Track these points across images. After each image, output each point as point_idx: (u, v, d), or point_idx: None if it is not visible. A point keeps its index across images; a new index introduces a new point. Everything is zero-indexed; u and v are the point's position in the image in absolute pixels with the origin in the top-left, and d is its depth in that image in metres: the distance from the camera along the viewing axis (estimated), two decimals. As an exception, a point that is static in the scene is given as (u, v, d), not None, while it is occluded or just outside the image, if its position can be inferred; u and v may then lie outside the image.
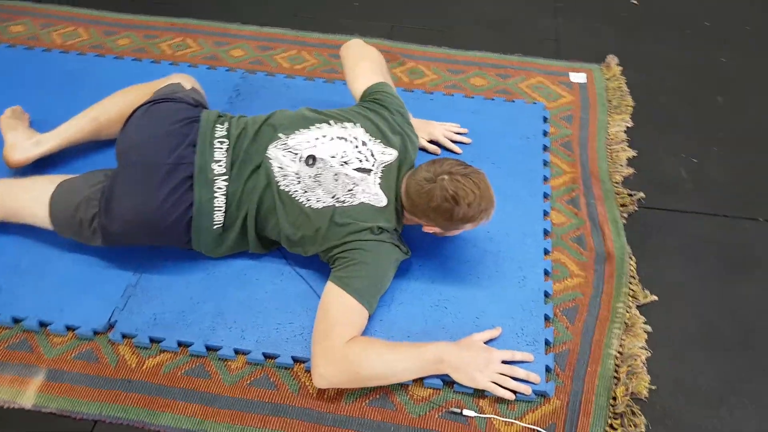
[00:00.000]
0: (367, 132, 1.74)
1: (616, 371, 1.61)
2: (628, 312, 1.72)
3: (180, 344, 1.63)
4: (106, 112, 1.95)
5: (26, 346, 1.63)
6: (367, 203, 1.64)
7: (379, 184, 1.67)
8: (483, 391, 1.55)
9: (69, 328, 1.66)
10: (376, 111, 1.81)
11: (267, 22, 2.72)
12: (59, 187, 1.72)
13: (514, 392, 1.54)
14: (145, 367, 1.60)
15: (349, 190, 1.64)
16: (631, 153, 2.21)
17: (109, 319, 1.66)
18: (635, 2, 2.97)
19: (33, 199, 1.72)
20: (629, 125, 2.32)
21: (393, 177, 1.68)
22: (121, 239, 1.70)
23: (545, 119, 2.30)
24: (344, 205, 1.63)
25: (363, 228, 1.60)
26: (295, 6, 2.86)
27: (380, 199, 1.65)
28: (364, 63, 1.96)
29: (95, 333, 1.65)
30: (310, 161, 1.68)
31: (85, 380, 1.57)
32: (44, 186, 1.73)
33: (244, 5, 2.84)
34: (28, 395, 1.54)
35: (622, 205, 2.02)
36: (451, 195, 1.54)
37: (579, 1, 2.98)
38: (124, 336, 1.64)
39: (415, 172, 1.64)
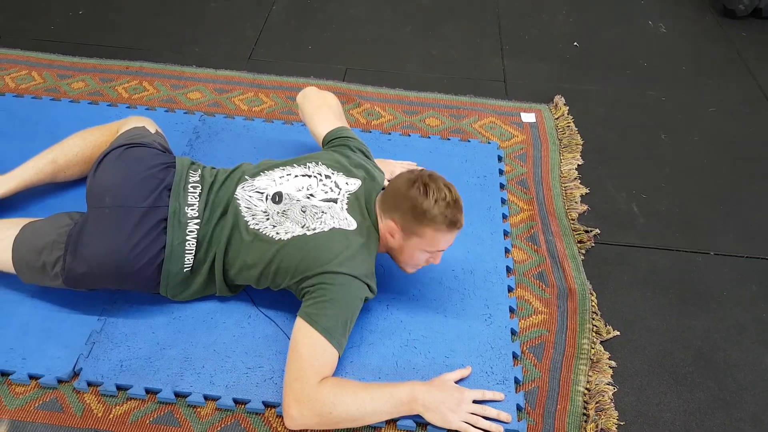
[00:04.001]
0: (329, 167, 1.78)
1: (585, 408, 1.63)
2: (592, 348, 1.76)
3: (148, 391, 1.60)
4: (65, 154, 1.94)
5: (-13, 398, 1.58)
6: (338, 228, 1.64)
7: (347, 209, 1.68)
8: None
9: (32, 377, 1.61)
10: (338, 151, 1.86)
11: (221, 65, 2.72)
12: (23, 231, 1.68)
13: (487, 432, 1.55)
14: (112, 415, 1.56)
15: (318, 218, 1.65)
16: (584, 190, 2.26)
17: (74, 367, 1.62)
18: (576, 44, 3.08)
19: None
20: (580, 163, 2.38)
21: (361, 200, 1.70)
22: (85, 281, 1.66)
23: (500, 158, 2.34)
24: (315, 232, 1.63)
25: (338, 261, 1.58)
26: (248, 49, 2.88)
27: (350, 223, 1.65)
28: (323, 110, 2.03)
29: (59, 381, 1.61)
30: (277, 198, 1.70)
31: (49, 431, 1.52)
32: (7, 229, 1.69)
33: (196, 49, 2.84)
34: (-10, 448, 1.49)
35: (580, 242, 2.06)
36: (423, 184, 1.58)
37: (523, 43, 3.07)
38: (89, 384, 1.60)
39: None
